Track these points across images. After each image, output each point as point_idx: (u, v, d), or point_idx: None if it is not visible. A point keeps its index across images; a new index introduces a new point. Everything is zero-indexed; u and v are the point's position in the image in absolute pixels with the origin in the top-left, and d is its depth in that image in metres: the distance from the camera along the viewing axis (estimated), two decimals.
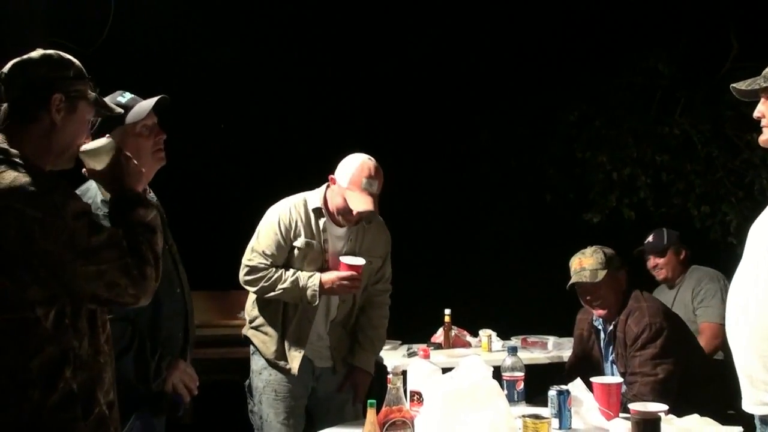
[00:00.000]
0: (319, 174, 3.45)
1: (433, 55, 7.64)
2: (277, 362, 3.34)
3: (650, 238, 4.60)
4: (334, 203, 3.32)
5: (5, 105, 1.92)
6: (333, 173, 3.34)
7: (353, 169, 3.27)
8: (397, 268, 3.51)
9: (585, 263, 3.50)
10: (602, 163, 7.49)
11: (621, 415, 2.55)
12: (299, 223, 3.34)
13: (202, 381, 2.56)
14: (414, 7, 7.33)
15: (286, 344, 3.33)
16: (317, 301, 3.24)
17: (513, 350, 2.79)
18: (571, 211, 7.61)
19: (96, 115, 2.09)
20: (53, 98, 1.91)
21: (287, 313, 3.35)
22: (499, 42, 7.55)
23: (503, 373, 2.70)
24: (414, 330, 4.56)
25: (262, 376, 3.37)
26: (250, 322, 3.45)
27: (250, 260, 3.34)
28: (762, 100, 2.10)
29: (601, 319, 3.52)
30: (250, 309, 3.46)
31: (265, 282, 3.29)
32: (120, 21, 5.56)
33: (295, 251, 3.33)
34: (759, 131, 2.14)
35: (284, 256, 3.34)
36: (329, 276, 3.25)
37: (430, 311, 4.57)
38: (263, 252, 3.32)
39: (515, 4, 7.38)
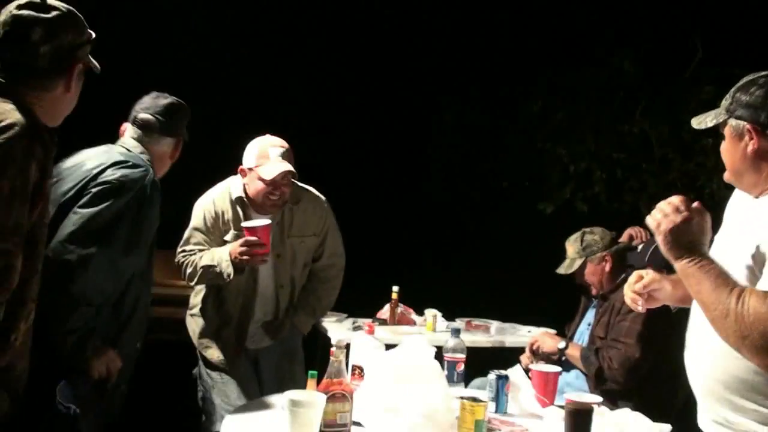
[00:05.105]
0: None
1: (400, 38, 7.64)
2: (202, 352, 3.26)
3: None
4: (253, 190, 3.15)
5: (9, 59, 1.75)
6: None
7: (256, 146, 3.16)
8: (347, 241, 3.49)
9: (568, 251, 3.71)
10: (561, 155, 7.57)
11: (556, 403, 2.60)
12: (226, 216, 3.23)
13: (147, 340, 2.57)
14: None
15: (221, 333, 3.24)
16: (232, 274, 3.08)
17: (456, 332, 2.81)
18: (526, 199, 7.70)
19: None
20: (75, 68, 1.81)
21: (224, 302, 3.25)
22: (469, 31, 7.58)
23: (445, 354, 2.71)
24: (360, 304, 4.57)
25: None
26: (189, 308, 3.38)
27: (177, 259, 3.26)
28: (725, 134, 1.94)
29: None
30: (192, 296, 3.39)
31: (190, 267, 3.19)
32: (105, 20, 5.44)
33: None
34: (717, 137, 2.09)
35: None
36: (234, 245, 3.08)
37: (378, 286, 4.58)
38: (190, 250, 3.24)
39: None
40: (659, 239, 1.86)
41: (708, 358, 1.89)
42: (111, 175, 2.39)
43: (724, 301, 1.71)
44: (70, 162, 2.51)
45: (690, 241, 1.82)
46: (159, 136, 2.66)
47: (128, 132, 2.68)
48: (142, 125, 2.65)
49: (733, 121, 1.90)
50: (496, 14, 7.60)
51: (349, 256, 3.48)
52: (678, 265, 1.83)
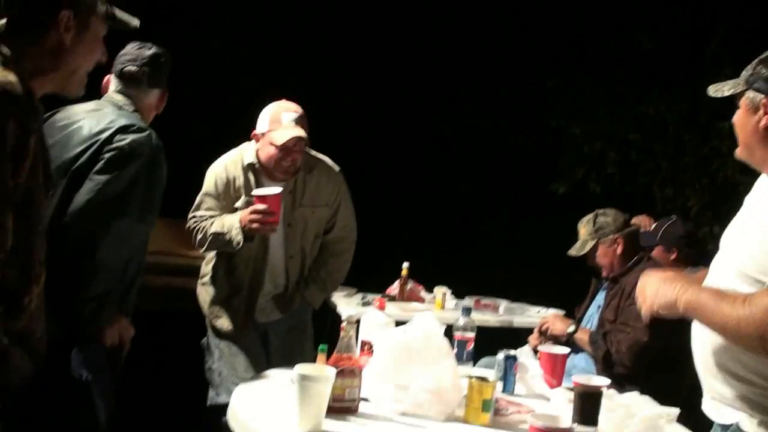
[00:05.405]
0: None
1: (417, 14, 7.60)
2: (212, 321, 3.26)
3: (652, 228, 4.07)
4: (265, 155, 3.14)
5: (3, 20, 1.69)
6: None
7: (269, 111, 3.16)
8: (359, 216, 3.47)
9: (581, 232, 3.69)
10: (575, 134, 7.52)
11: (564, 385, 2.60)
12: (237, 182, 3.20)
13: (159, 308, 2.57)
14: None
15: (232, 302, 3.24)
16: (242, 241, 3.06)
17: (467, 311, 2.81)
18: (539, 179, 7.67)
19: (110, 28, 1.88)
20: (61, 16, 1.71)
21: (235, 269, 3.25)
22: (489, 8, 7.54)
23: (455, 332, 2.71)
24: (370, 279, 4.57)
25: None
26: (200, 277, 3.37)
27: (188, 225, 3.24)
28: (740, 105, 1.94)
29: None
30: (204, 264, 3.37)
31: (200, 233, 3.18)
32: None
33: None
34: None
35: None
36: (244, 212, 3.06)
37: (388, 262, 4.58)
38: (201, 216, 3.22)
39: None
40: (655, 305, 1.91)
41: (705, 334, 1.89)
42: (121, 140, 2.37)
43: (731, 313, 1.72)
44: (60, 121, 2.45)
45: (675, 284, 1.86)
46: (147, 88, 2.60)
47: (113, 85, 2.60)
48: (129, 78, 2.58)
49: (750, 93, 1.89)
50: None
51: (360, 230, 3.47)
52: (681, 308, 1.85)
